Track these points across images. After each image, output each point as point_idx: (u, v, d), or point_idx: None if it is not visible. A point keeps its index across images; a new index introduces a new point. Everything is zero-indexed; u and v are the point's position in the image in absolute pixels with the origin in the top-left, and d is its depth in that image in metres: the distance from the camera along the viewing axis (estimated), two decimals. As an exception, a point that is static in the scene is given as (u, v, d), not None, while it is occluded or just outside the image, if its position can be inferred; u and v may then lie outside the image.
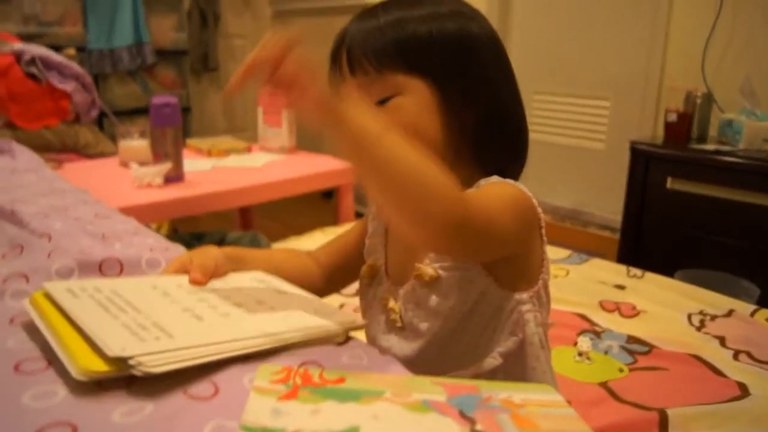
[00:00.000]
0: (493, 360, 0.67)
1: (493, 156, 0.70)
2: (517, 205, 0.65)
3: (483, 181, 0.68)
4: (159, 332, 0.49)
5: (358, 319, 0.60)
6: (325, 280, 0.82)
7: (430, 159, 0.54)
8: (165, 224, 2.33)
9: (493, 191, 0.65)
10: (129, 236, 0.83)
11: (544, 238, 0.70)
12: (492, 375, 0.67)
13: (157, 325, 0.51)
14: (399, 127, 0.62)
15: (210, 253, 0.68)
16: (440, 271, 0.66)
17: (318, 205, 3.27)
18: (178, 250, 0.79)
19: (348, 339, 0.56)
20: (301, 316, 0.57)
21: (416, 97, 0.66)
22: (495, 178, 0.68)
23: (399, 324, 0.71)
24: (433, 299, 0.67)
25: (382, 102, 0.66)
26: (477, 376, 0.67)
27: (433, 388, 0.46)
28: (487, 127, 0.68)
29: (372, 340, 0.76)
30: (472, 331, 0.67)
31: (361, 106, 0.55)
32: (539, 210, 0.68)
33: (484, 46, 0.69)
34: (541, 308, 0.70)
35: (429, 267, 0.67)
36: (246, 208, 2.26)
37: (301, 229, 2.40)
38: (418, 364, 0.68)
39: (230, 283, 0.65)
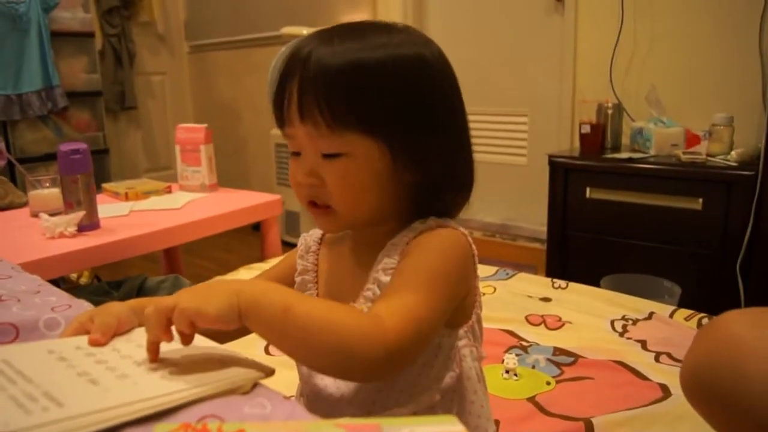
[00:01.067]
0: (431, 396, 0.67)
1: (437, 207, 0.69)
2: (453, 266, 0.64)
3: (418, 224, 0.67)
4: (48, 402, 0.46)
5: (266, 367, 0.58)
6: None
7: (335, 307, 0.56)
8: (86, 272, 2.24)
9: (423, 262, 0.63)
10: (29, 296, 0.78)
11: (477, 273, 0.71)
12: (431, 411, 0.67)
13: (48, 394, 0.47)
14: (341, 186, 0.64)
15: (112, 309, 0.64)
16: None
17: (247, 238, 3.21)
18: (81, 307, 0.75)
19: (254, 386, 0.54)
20: (204, 370, 0.55)
21: (365, 160, 0.64)
22: (432, 222, 0.67)
23: None
24: None
25: (327, 155, 0.64)
26: (415, 413, 0.66)
27: (334, 431, 0.45)
28: (435, 185, 0.67)
29: (306, 379, 0.74)
30: (410, 369, 0.67)
31: (252, 293, 0.54)
32: (473, 247, 0.68)
33: (441, 94, 0.68)
34: (476, 342, 0.72)
35: (363, 308, 0.66)
36: (170, 248, 2.19)
37: (230, 265, 2.35)
38: (355, 404, 0.67)
39: (133, 340, 0.62)
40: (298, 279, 0.77)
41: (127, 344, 0.61)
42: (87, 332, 0.61)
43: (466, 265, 0.67)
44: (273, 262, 1.69)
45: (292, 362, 1.12)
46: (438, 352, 0.67)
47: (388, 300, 0.59)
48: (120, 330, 0.62)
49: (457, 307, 0.66)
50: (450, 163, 0.68)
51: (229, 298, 0.53)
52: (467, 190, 0.72)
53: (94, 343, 0.59)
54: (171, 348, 0.61)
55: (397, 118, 0.64)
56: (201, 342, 0.63)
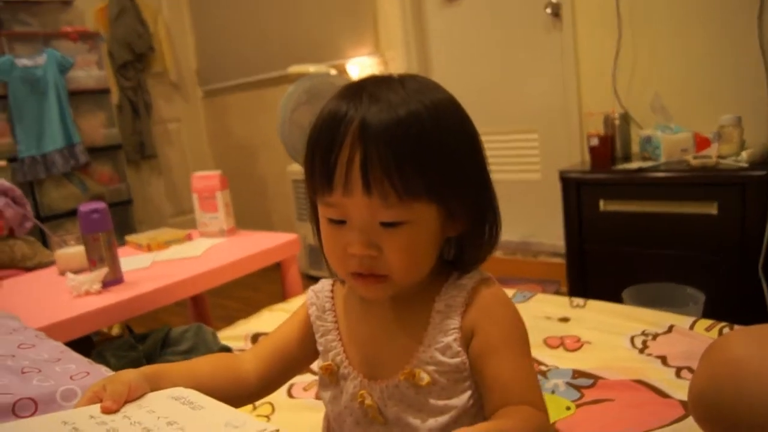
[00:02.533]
0: None
1: (474, 254, 0.71)
2: (525, 328, 0.69)
3: (466, 280, 0.69)
4: None
5: (270, 427, 0.61)
6: (261, 382, 0.78)
7: (525, 422, 0.60)
8: (116, 324, 2.29)
9: (514, 331, 0.68)
10: (50, 365, 0.82)
11: None
12: None
13: None
14: (404, 254, 0.64)
15: (122, 377, 0.67)
16: (435, 375, 0.67)
17: (271, 275, 3.25)
18: (99, 374, 0.79)
19: None
20: None
21: (426, 224, 0.63)
22: (477, 276, 0.70)
23: (380, 420, 0.70)
24: (430, 401, 0.67)
25: (387, 224, 0.62)
26: None
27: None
28: (473, 233, 0.69)
29: None
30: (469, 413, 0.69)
31: None
32: None
33: (474, 136, 0.68)
34: None
35: (422, 371, 0.67)
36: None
37: (256, 303, 2.39)
38: None
39: (144, 406, 0.65)
40: (321, 341, 0.76)
41: (138, 410, 0.63)
42: (100, 401, 0.64)
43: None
44: (294, 301, 1.73)
45: (316, 403, 1.14)
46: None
47: (528, 391, 0.64)
48: (131, 397, 0.64)
49: None
50: (484, 208, 0.69)
51: None
52: (497, 234, 0.72)
53: (106, 411, 0.61)
54: (182, 411, 0.63)
55: (454, 174, 0.63)
56: (209, 403, 0.65)
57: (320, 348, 0.77)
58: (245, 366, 0.78)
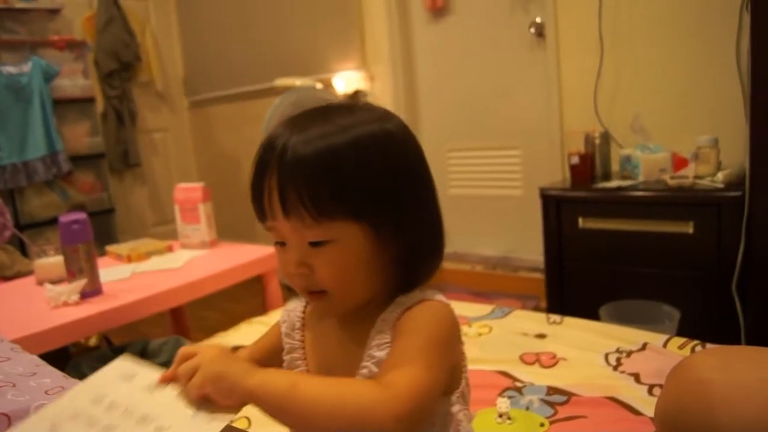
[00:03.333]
0: None
1: (417, 273, 0.72)
2: (444, 336, 0.67)
3: (403, 299, 0.69)
4: None
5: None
6: None
7: (343, 382, 0.60)
8: (94, 335, 2.27)
9: (419, 336, 0.65)
10: (25, 380, 0.82)
11: (462, 341, 0.73)
12: None
13: None
14: (332, 272, 0.66)
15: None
16: None
17: (253, 287, 3.24)
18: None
19: None
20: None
21: (351, 243, 0.66)
22: (416, 296, 0.70)
23: None
24: None
25: (314, 243, 0.65)
26: None
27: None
28: (415, 252, 0.70)
29: None
30: None
31: (257, 374, 0.59)
32: (455, 314, 0.70)
33: (410, 164, 0.70)
34: (466, 405, 0.73)
35: None
36: (176, 306, 2.23)
37: (237, 315, 2.38)
38: None
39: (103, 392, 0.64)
40: (287, 358, 0.78)
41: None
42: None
43: (454, 332, 0.69)
44: (274, 314, 1.73)
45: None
46: (434, 421, 0.69)
47: (392, 372, 0.61)
48: None
49: (449, 374, 0.69)
50: (426, 230, 0.70)
51: (240, 377, 0.59)
52: (441, 253, 0.74)
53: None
54: (147, 402, 0.63)
55: (375, 198, 0.66)
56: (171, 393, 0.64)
57: (285, 365, 0.78)
58: None
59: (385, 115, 0.71)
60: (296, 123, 0.67)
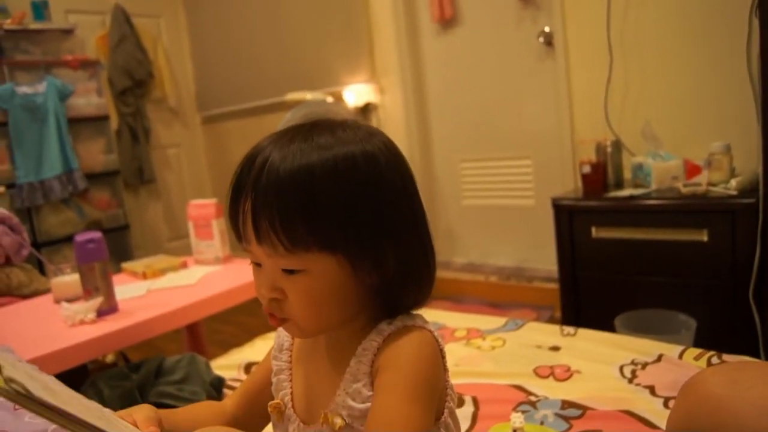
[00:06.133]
0: None
1: (400, 302, 0.70)
2: (430, 369, 0.65)
3: (384, 326, 0.68)
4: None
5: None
6: (242, 427, 0.78)
7: None
8: (112, 352, 2.29)
9: (404, 374, 0.63)
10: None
11: (447, 368, 0.71)
12: None
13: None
14: (303, 302, 0.65)
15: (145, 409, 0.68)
16: (347, 420, 0.66)
17: (270, 301, 3.26)
18: (90, 409, 0.79)
19: None
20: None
21: (325, 274, 0.64)
22: (399, 323, 0.68)
23: None
24: None
25: (288, 271, 0.64)
26: None
27: None
28: (395, 283, 0.67)
29: None
30: None
31: None
32: (440, 342, 0.69)
33: (392, 189, 0.66)
34: None
35: (337, 416, 0.67)
36: (191, 321, 2.24)
37: (253, 330, 2.39)
38: None
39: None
40: (274, 380, 0.77)
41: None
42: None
43: (438, 363, 0.67)
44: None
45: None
46: None
47: (383, 423, 0.59)
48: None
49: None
50: (408, 259, 0.67)
51: None
52: (429, 282, 0.71)
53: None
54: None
55: (353, 231, 0.63)
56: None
57: (272, 387, 0.77)
58: (227, 410, 0.81)
59: (368, 136, 0.67)
60: (278, 140, 0.65)
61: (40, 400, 0.49)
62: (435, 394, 0.65)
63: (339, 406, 0.67)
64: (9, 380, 0.48)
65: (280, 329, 0.80)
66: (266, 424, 0.83)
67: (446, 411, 0.70)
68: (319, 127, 0.66)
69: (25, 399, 0.49)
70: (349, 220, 0.63)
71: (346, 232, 0.63)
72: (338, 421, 0.66)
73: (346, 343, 0.70)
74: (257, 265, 0.68)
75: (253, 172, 0.63)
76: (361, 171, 0.64)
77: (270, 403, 0.76)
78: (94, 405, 0.58)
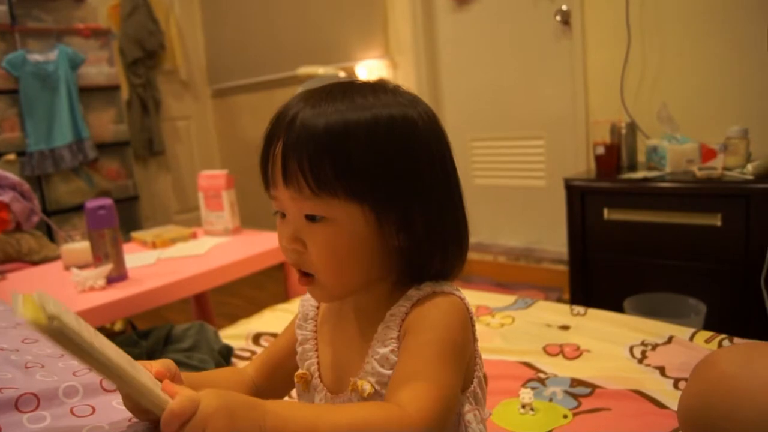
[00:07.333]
0: None
1: (431, 268, 0.68)
2: (458, 335, 0.63)
3: (414, 292, 0.67)
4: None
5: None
6: (262, 395, 0.75)
7: (360, 411, 0.56)
8: (119, 320, 2.31)
9: (431, 338, 0.62)
10: (53, 361, 0.83)
11: (476, 336, 0.70)
12: None
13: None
14: (324, 252, 0.63)
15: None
16: (377, 387, 0.65)
17: (275, 274, 3.26)
18: (102, 370, 0.79)
19: None
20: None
21: (349, 225, 0.63)
22: (428, 289, 0.67)
23: None
24: None
25: (310, 217, 0.63)
26: None
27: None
28: (424, 248, 0.66)
29: None
30: None
31: (276, 415, 0.52)
32: (471, 310, 0.68)
33: (428, 155, 0.66)
34: (479, 405, 0.70)
35: (365, 382, 0.65)
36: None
37: (260, 303, 2.40)
38: None
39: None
40: (299, 349, 0.76)
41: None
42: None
43: (468, 330, 0.66)
44: (296, 302, 1.74)
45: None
46: None
47: (407, 386, 0.58)
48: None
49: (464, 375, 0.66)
50: (438, 225, 0.66)
51: (256, 422, 0.51)
52: (461, 251, 0.70)
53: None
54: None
55: (383, 183, 0.62)
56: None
57: (297, 357, 0.76)
58: (248, 379, 0.79)
59: (412, 102, 0.67)
60: (312, 95, 0.65)
61: (80, 340, 0.49)
62: (463, 359, 0.64)
63: (367, 373, 0.66)
64: (52, 317, 0.47)
65: (304, 299, 0.80)
66: (286, 393, 0.82)
67: (475, 380, 0.69)
68: (360, 87, 0.66)
69: (66, 339, 0.48)
70: (379, 170, 0.62)
71: (375, 182, 0.62)
72: (367, 388, 0.65)
73: (373, 309, 0.69)
74: (282, 216, 0.67)
75: (286, 120, 0.63)
76: (399, 131, 0.63)
77: (296, 373, 0.75)
78: (126, 356, 0.58)
